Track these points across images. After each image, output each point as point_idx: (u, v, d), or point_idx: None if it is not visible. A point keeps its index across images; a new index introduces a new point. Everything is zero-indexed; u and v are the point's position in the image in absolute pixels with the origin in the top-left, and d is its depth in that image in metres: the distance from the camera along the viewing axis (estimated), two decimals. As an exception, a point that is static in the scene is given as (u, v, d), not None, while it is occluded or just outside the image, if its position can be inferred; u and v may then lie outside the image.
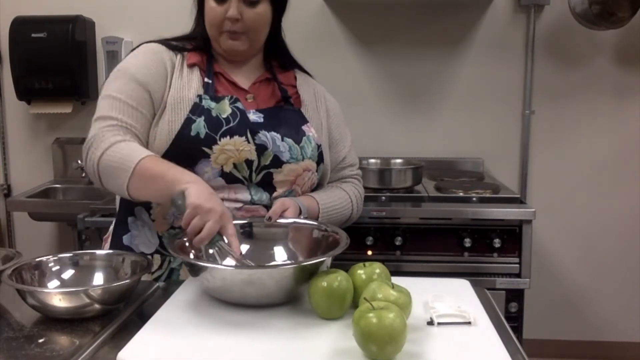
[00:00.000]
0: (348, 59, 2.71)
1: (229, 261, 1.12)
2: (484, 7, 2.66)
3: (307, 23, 2.67)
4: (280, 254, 1.23)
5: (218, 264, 1.09)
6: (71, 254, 1.17)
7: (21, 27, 2.63)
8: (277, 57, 1.49)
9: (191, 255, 1.14)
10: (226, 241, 1.13)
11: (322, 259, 1.06)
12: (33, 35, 2.61)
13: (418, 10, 2.66)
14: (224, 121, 1.31)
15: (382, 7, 2.66)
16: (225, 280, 1.03)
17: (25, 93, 2.70)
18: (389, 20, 2.68)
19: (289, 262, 1.21)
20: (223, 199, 1.29)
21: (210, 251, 1.13)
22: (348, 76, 2.70)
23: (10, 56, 2.65)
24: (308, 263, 1.05)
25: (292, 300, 1.07)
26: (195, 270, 1.08)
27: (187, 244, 1.16)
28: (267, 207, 1.33)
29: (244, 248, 1.20)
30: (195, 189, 1.13)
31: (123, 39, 2.69)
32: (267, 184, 1.34)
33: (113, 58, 2.67)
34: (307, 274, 1.03)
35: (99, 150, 1.24)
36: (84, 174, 2.73)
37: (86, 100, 2.75)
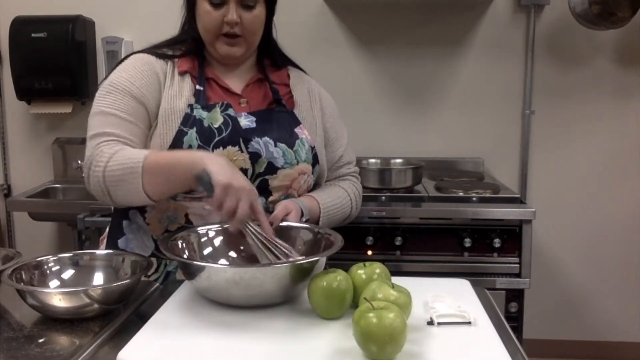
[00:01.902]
0: (348, 59, 2.71)
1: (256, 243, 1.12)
2: (484, 7, 2.66)
3: (307, 23, 2.66)
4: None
5: (211, 264, 1.08)
6: (71, 254, 1.17)
7: (21, 27, 2.63)
8: (269, 56, 1.47)
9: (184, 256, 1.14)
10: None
11: (307, 260, 1.05)
12: (33, 35, 2.60)
13: (418, 10, 2.66)
14: (215, 131, 1.29)
15: (382, 7, 2.66)
16: (211, 279, 1.02)
17: (25, 93, 2.70)
18: (389, 20, 2.68)
19: (272, 262, 1.20)
20: None
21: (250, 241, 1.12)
22: (348, 76, 2.70)
23: (10, 56, 2.65)
24: (292, 263, 1.04)
25: (287, 301, 1.06)
26: (188, 273, 1.07)
27: (180, 244, 1.16)
28: (263, 210, 1.33)
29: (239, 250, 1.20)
30: (217, 165, 1.10)
31: (123, 39, 2.69)
32: (263, 190, 1.33)
33: (113, 58, 2.67)
34: (297, 275, 1.02)
35: (101, 166, 1.21)
36: (84, 174, 2.72)
37: (86, 100, 2.75)
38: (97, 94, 1.32)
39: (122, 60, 1.37)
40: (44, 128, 2.87)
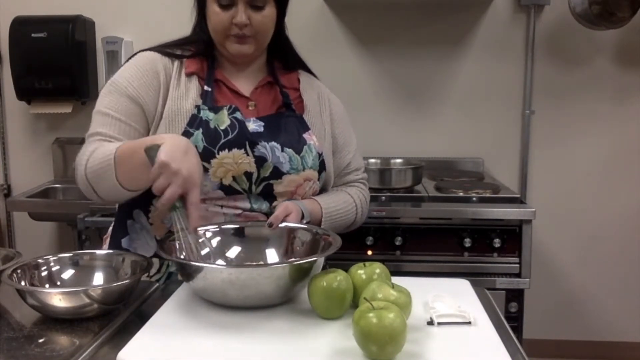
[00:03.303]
0: (348, 59, 2.71)
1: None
2: (484, 7, 2.66)
3: (307, 23, 2.67)
4: (272, 257, 1.22)
5: (206, 264, 1.08)
6: (71, 254, 1.17)
7: (21, 27, 2.63)
8: (281, 57, 1.46)
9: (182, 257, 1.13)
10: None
11: (304, 261, 1.04)
12: (33, 35, 2.61)
13: (418, 10, 2.67)
14: (222, 133, 1.28)
15: (382, 7, 2.67)
16: (207, 280, 1.02)
17: (25, 93, 2.70)
18: (389, 20, 2.68)
19: (268, 262, 1.19)
20: (222, 206, 1.29)
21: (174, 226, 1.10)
22: (348, 76, 2.70)
23: (10, 56, 2.65)
24: (289, 264, 1.03)
25: (287, 301, 1.06)
26: (185, 274, 1.06)
27: (177, 245, 1.15)
28: (267, 214, 1.32)
29: (236, 250, 1.19)
30: (170, 144, 1.08)
31: (123, 39, 2.69)
32: (268, 195, 1.32)
33: (113, 58, 2.67)
34: (294, 276, 1.02)
35: (83, 164, 1.24)
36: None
37: (86, 100, 2.75)
38: (101, 92, 1.35)
39: (130, 57, 1.38)
40: (44, 128, 2.87)
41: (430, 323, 0.98)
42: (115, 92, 1.31)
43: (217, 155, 1.27)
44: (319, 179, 1.39)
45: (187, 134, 1.28)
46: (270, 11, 1.34)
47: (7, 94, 2.83)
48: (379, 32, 2.70)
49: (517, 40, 2.67)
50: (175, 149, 1.07)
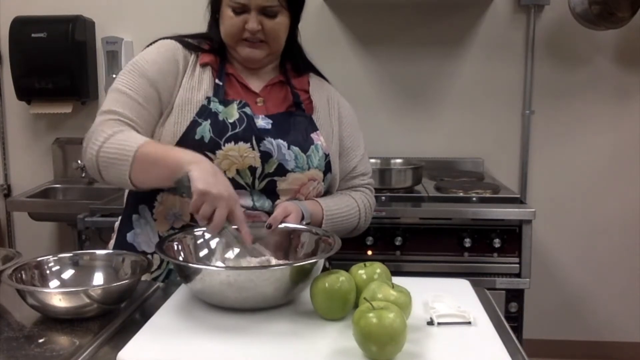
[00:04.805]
0: (348, 59, 2.71)
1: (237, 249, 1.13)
2: (484, 7, 2.66)
3: (307, 23, 2.65)
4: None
5: (204, 265, 1.08)
6: (71, 254, 1.17)
7: (21, 27, 2.64)
8: (292, 61, 1.47)
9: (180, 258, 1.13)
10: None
11: (303, 263, 1.04)
12: (33, 35, 2.61)
13: (418, 10, 2.67)
14: (229, 126, 1.29)
15: (382, 7, 2.67)
16: (205, 281, 1.01)
17: (25, 93, 2.71)
18: (389, 20, 2.68)
19: (266, 265, 1.18)
20: None
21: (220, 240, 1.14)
22: (348, 76, 2.70)
23: (10, 56, 2.66)
24: (288, 265, 1.03)
25: (289, 302, 1.06)
26: (183, 275, 1.06)
27: (175, 246, 1.15)
28: (269, 213, 1.31)
29: (235, 251, 1.19)
30: (199, 171, 1.11)
31: (123, 39, 2.69)
32: (271, 192, 1.32)
33: (113, 58, 2.67)
34: (293, 277, 1.01)
35: (97, 144, 1.23)
36: (84, 174, 2.73)
37: (86, 100, 2.75)
38: (120, 72, 1.35)
39: (151, 43, 1.39)
40: (44, 128, 2.87)
41: (430, 323, 0.98)
42: (135, 72, 1.31)
43: (222, 147, 1.27)
44: (323, 180, 1.39)
45: (195, 123, 1.28)
46: (282, 19, 1.35)
47: (7, 94, 2.83)
48: (379, 32, 2.70)
49: (517, 40, 2.67)
50: (206, 174, 1.11)
